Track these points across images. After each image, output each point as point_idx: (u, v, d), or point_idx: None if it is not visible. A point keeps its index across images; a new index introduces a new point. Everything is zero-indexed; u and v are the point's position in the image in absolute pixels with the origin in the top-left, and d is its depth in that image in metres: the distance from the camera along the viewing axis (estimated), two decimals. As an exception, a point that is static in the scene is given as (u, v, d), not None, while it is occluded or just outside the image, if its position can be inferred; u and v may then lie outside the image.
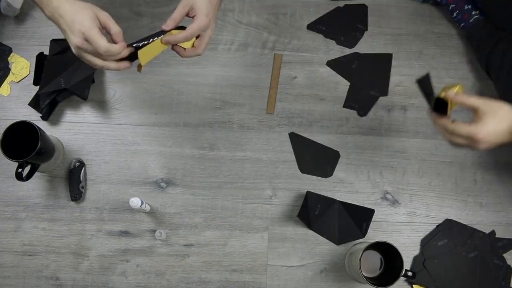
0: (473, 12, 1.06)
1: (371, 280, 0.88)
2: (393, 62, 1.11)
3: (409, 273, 0.89)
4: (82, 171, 1.04)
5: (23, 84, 1.10)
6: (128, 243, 1.02)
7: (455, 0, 1.08)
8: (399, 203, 1.04)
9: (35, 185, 1.04)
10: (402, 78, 1.11)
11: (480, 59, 1.06)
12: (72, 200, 1.02)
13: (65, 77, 1.03)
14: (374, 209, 0.99)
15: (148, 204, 1.00)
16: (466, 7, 1.07)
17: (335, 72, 1.11)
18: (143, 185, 1.04)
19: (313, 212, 0.99)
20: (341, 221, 0.99)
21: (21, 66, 1.11)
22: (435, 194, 1.04)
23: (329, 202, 1.01)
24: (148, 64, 1.13)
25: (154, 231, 1.01)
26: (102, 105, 1.09)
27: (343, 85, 1.10)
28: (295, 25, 1.15)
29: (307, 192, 1.01)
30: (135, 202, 0.90)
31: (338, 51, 1.13)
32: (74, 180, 1.03)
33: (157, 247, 1.01)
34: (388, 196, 1.04)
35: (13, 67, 1.10)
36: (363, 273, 0.87)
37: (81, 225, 1.02)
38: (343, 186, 1.05)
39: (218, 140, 1.07)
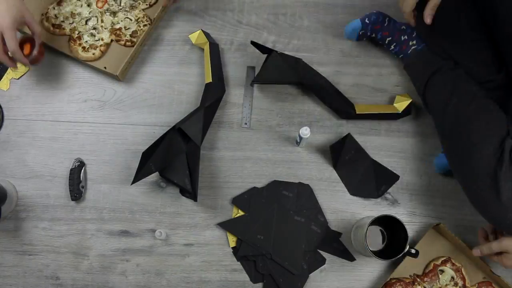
0: (410, 43, 1.04)
1: (376, 254, 0.91)
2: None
3: (413, 251, 0.92)
4: (82, 171, 1.04)
5: (23, 83, 1.10)
6: (128, 242, 1.02)
7: (390, 33, 1.06)
8: (399, 203, 1.04)
9: (35, 184, 1.04)
10: (401, 78, 1.11)
11: (418, 91, 1.04)
12: (72, 200, 1.02)
13: None
14: (399, 176, 1.03)
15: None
16: (402, 38, 1.05)
17: (335, 72, 1.11)
18: (143, 185, 1.04)
19: (344, 156, 1.02)
20: (365, 176, 1.03)
21: (21, 63, 1.11)
22: (435, 194, 1.04)
23: (363, 155, 1.04)
24: (148, 64, 1.14)
25: (154, 231, 1.02)
26: (102, 105, 1.09)
27: (343, 85, 1.10)
28: (295, 25, 1.15)
29: (349, 134, 1.03)
30: (308, 130, 0.96)
31: (337, 50, 1.13)
32: (74, 180, 1.03)
33: (157, 246, 1.02)
34: (388, 196, 1.04)
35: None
36: (369, 247, 0.91)
37: (81, 224, 1.02)
38: (343, 186, 1.05)
39: (218, 140, 1.07)
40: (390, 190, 1.04)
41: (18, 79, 1.10)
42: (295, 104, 1.09)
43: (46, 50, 1.06)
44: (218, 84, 1.07)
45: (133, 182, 0.93)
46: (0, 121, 1.07)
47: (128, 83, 1.11)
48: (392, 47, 1.07)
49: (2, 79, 1.10)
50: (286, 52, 1.12)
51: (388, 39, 1.07)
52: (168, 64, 1.12)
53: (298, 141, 1.03)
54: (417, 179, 1.05)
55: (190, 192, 0.98)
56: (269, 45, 1.13)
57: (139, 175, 0.94)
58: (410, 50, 1.04)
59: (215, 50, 1.10)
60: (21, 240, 1.02)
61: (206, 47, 1.08)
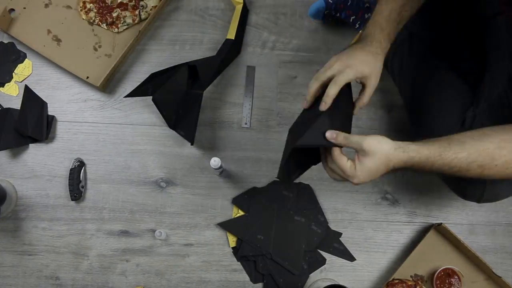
0: None
1: None
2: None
3: None
4: (82, 170, 1.04)
5: (23, 83, 1.10)
6: (128, 242, 1.02)
7: (354, 12, 1.07)
8: (399, 203, 1.04)
9: (35, 184, 1.04)
10: (402, 78, 1.11)
11: (385, 64, 1.04)
12: (72, 200, 1.02)
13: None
14: None
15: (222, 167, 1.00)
16: (366, 15, 1.06)
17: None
18: (143, 185, 1.04)
19: None
20: None
21: (24, 65, 1.11)
22: (435, 194, 1.04)
23: None
24: (147, 65, 1.14)
25: (154, 231, 1.01)
26: (102, 105, 1.09)
27: (343, 85, 1.10)
28: (295, 25, 1.15)
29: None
30: (216, 161, 0.93)
31: (337, 50, 1.13)
32: (74, 180, 1.03)
33: (157, 246, 1.01)
34: (388, 196, 1.04)
35: (16, 67, 1.10)
36: None
37: (81, 224, 1.02)
38: (343, 186, 1.05)
39: (218, 140, 1.07)
40: (390, 190, 1.04)
41: (21, 82, 1.10)
42: (295, 104, 1.09)
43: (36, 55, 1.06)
44: (237, 42, 1.10)
45: (127, 96, 0.97)
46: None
47: (128, 83, 1.10)
48: (357, 25, 1.08)
49: (11, 85, 1.09)
50: (286, 52, 1.12)
51: (352, 17, 1.07)
52: (168, 64, 1.11)
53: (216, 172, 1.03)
54: (417, 178, 1.05)
55: (171, 128, 1.00)
56: (269, 45, 1.13)
57: (134, 92, 0.96)
58: None
59: (245, 14, 1.13)
60: (21, 240, 1.02)
61: (239, 7, 1.11)
